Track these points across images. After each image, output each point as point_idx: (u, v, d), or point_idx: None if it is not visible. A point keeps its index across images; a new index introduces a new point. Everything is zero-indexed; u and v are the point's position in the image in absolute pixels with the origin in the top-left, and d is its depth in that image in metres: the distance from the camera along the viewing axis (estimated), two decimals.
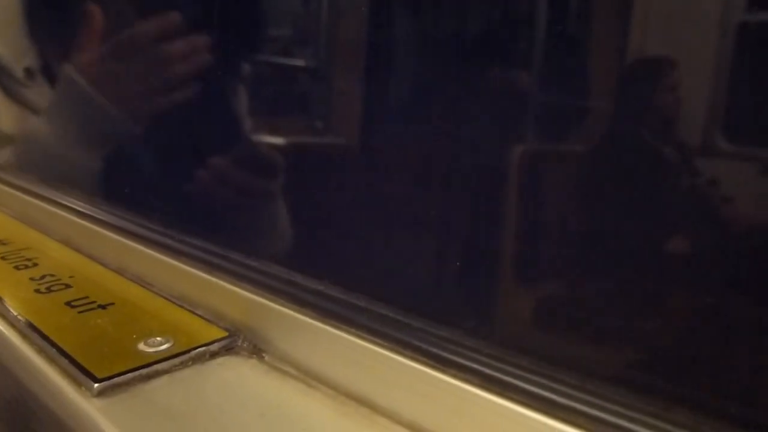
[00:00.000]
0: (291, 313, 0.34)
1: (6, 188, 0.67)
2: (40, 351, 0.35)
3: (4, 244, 0.54)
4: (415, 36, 0.33)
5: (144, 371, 0.33)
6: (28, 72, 0.65)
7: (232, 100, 0.44)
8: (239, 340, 0.36)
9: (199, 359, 0.34)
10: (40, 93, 0.64)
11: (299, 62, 0.40)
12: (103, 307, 0.41)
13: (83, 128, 0.49)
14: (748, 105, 0.22)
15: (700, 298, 0.24)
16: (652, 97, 0.24)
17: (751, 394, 0.23)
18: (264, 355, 0.35)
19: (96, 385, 0.31)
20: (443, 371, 0.27)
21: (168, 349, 0.35)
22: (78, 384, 0.32)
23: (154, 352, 0.34)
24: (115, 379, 0.32)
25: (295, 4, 0.42)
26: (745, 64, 0.22)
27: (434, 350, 0.28)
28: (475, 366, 0.27)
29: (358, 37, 0.35)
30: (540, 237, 0.29)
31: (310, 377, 0.33)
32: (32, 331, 0.37)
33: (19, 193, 0.64)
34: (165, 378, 0.33)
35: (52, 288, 0.44)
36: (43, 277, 0.46)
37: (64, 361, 0.33)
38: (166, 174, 0.49)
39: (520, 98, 0.28)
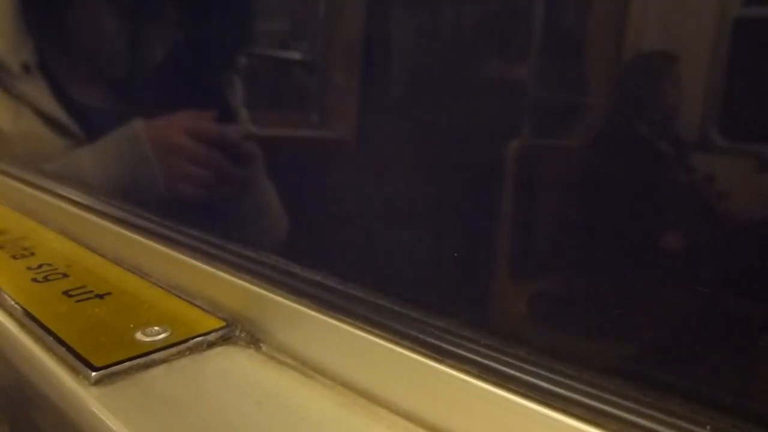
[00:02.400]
0: (288, 303, 0.34)
1: (3, 178, 0.67)
2: (38, 339, 0.35)
3: (1, 233, 0.54)
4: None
5: (141, 360, 0.33)
6: (25, 67, 0.65)
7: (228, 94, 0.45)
8: (237, 330, 0.36)
9: (197, 349, 0.35)
10: (36, 88, 0.64)
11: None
12: (100, 296, 0.41)
13: (125, 170, 0.56)
14: (744, 101, 0.23)
15: (694, 292, 0.24)
16: (648, 92, 0.24)
17: (744, 384, 0.23)
18: (261, 345, 0.35)
19: (93, 373, 0.31)
20: (441, 362, 0.28)
21: (165, 338, 0.35)
22: (76, 372, 0.32)
23: (151, 341, 0.34)
24: (113, 368, 0.32)
25: None
26: (742, 60, 0.22)
27: (432, 341, 0.28)
28: (472, 356, 0.27)
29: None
30: (536, 230, 0.29)
31: (308, 367, 0.33)
32: (30, 320, 0.37)
33: (16, 183, 0.64)
34: (162, 367, 0.33)
35: (49, 277, 0.44)
36: (40, 266, 0.46)
37: (62, 350, 0.33)
38: None
39: (515, 92, 0.28)
